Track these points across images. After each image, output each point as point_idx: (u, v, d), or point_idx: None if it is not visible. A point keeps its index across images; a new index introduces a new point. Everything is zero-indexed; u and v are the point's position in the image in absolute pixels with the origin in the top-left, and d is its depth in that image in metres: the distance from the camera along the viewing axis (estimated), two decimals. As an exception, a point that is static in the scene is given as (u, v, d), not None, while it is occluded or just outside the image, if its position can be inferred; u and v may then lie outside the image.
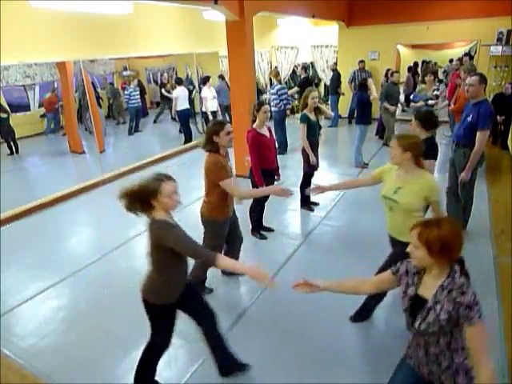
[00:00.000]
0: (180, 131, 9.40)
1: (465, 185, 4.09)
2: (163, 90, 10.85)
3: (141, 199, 2.10)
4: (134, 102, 9.84)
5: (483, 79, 3.83)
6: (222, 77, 9.13)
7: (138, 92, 9.94)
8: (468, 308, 1.52)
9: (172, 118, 11.06)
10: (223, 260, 2.16)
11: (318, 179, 5.61)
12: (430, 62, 14.68)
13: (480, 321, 1.53)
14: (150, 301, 2.26)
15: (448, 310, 1.56)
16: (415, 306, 1.68)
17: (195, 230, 4.89)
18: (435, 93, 6.36)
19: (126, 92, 10.06)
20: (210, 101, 8.33)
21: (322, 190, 3.01)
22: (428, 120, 3.32)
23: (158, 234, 2.10)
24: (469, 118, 3.87)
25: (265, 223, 4.68)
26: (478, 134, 3.77)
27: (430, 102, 6.30)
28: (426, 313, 1.62)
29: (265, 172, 4.14)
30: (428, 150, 3.27)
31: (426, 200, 2.56)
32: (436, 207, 2.58)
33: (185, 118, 8.81)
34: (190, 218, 5.28)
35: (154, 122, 11.48)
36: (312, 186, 3.08)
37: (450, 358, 1.65)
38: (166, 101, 11.03)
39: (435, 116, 3.38)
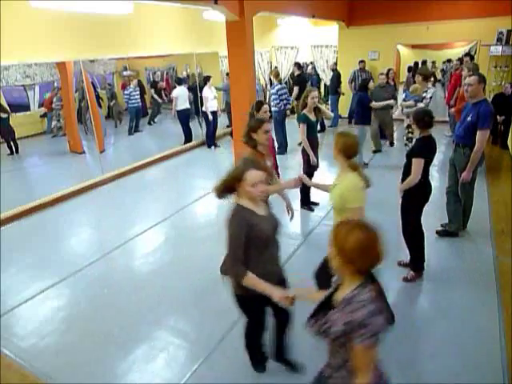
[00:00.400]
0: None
1: (465, 185, 4.09)
2: (152, 91, 10.74)
3: (227, 185, 2.13)
4: (133, 101, 9.83)
5: (482, 79, 3.84)
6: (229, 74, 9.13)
7: (138, 92, 9.92)
8: (356, 326, 1.42)
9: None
10: (249, 279, 2.07)
11: (317, 179, 5.62)
12: (434, 62, 14.68)
13: (364, 343, 1.41)
14: (237, 292, 2.24)
15: (343, 322, 1.45)
16: (323, 307, 1.58)
17: (195, 230, 4.92)
18: (424, 94, 6.32)
19: (125, 92, 10.02)
20: (210, 101, 8.34)
21: (302, 181, 3.03)
22: (421, 120, 3.34)
23: (227, 217, 2.10)
24: (468, 118, 3.86)
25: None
26: (478, 133, 3.76)
27: (420, 104, 6.23)
28: (325, 320, 1.52)
29: None
30: (420, 149, 3.32)
31: (342, 204, 2.48)
32: (349, 215, 2.30)
33: (185, 118, 8.81)
34: (190, 218, 5.32)
35: (149, 123, 11.32)
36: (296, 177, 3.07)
37: (348, 377, 1.53)
38: (156, 102, 11.12)
39: (431, 116, 3.36)
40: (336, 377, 1.61)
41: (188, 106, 8.74)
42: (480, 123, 3.74)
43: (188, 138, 8.91)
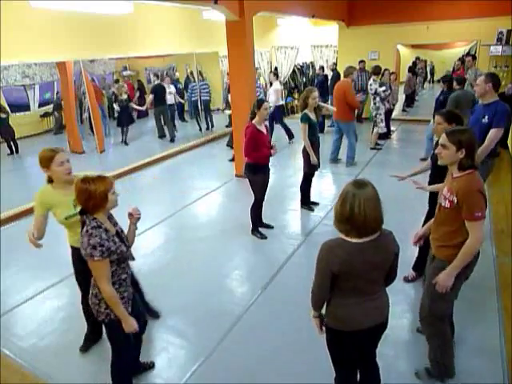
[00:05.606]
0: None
1: None
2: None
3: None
4: (195, 95, 9.93)
5: (489, 78, 3.70)
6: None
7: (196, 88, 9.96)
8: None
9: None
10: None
11: (318, 179, 5.63)
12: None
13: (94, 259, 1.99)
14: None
15: None
16: None
17: (195, 231, 4.92)
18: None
19: (189, 87, 10.07)
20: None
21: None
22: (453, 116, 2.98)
23: None
24: (484, 120, 3.66)
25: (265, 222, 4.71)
26: (491, 131, 3.58)
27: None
28: None
29: (260, 167, 4.29)
30: None
31: None
32: None
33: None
34: (190, 218, 5.32)
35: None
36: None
37: None
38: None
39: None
40: None
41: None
42: (495, 122, 3.57)
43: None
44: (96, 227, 2.05)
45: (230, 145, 7.56)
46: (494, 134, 3.57)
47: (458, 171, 2.22)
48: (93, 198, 2.03)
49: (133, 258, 2.35)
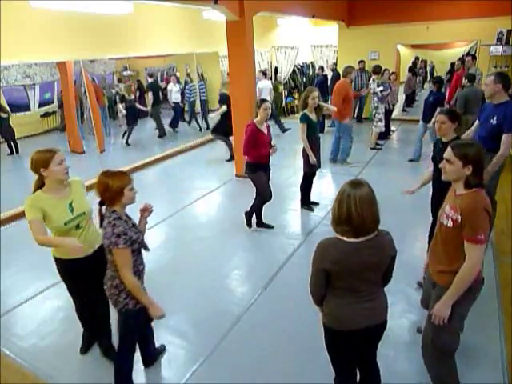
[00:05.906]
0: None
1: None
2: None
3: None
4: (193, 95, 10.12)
5: (499, 79, 3.57)
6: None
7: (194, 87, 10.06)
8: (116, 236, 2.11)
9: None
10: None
11: (318, 179, 5.63)
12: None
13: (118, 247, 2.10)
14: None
15: None
16: None
17: (194, 231, 4.91)
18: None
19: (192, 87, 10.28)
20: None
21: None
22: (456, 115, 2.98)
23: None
24: (493, 121, 3.60)
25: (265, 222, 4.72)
26: (504, 136, 3.51)
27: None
28: None
29: (260, 166, 4.36)
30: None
31: None
32: None
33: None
34: (190, 218, 5.32)
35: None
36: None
37: None
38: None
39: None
40: None
41: None
42: (507, 126, 3.49)
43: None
44: (117, 218, 2.19)
45: (214, 132, 7.56)
46: (507, 139, 3.50)
47: (464, 189, 2.03)
48: (108, 191, 2.17)
49: (148, 249, 2.43)
